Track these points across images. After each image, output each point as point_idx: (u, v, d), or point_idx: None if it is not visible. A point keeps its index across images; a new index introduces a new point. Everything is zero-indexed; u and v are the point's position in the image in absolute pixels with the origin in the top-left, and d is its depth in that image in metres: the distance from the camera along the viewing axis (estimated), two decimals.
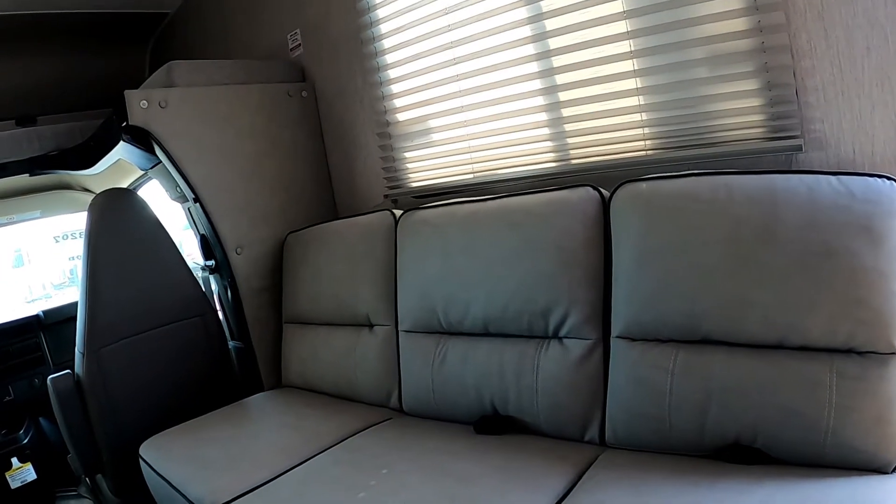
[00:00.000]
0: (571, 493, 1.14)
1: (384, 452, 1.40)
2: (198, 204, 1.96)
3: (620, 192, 1.32)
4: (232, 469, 1.45)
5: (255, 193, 2.08)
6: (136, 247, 1.93)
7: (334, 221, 1.97)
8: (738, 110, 1.37)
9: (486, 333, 1.52)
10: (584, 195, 1.39)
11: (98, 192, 2.75)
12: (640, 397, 1.22)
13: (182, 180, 1.94)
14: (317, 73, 2.28)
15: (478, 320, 1.51)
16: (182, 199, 2.10)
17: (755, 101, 1.34)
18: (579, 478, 1.19)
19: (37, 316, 2.62)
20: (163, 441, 1.72)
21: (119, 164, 2.30)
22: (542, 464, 1.25)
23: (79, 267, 3.47)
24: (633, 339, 1.27)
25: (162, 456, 1.64)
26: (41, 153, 2.43)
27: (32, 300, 3.26)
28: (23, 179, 2.52)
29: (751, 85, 1.34)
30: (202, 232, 2.09)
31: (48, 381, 1.86)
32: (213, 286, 2.20)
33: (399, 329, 1.70)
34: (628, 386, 1.25)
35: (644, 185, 1.29)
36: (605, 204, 1.36)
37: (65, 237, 3.03)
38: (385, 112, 2.09)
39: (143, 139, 1.91)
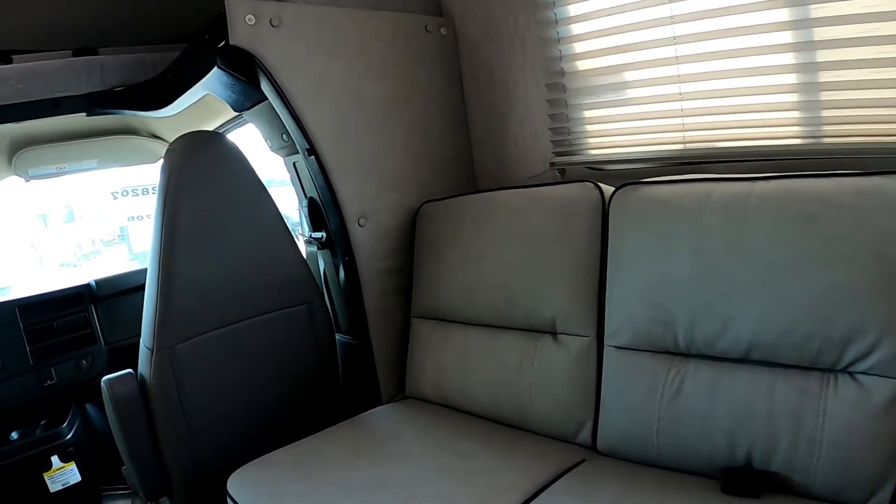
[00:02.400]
0: None
1: None
2: (313, 157, 1.48)
3: None
4: None
5: (386, 148, 1.60)
6: (228, 210, 1.46)
7: (501, 191, 1.48)
8: None
9: (744, 360, 1.09)
10: None
11: (171, 139, 2.31)
12: None
13: (294, 125, 1.46)
14: (457, 6, 1.78)
15: (740, 342, 1.08)
16: (289, 150, 1.63)
17: None
18: None
19: (87, 285, 2.16)
20: (262, 472, 1.27)
21: (202, 105, 1.83)
22: None
23: (131, 228, 3.05)
24: None
25: (263, 498, 1.18)
26: (103, 88, 1.96)
27: (84, 255, 2.85)
28: (78, 121, 2.04)
29: None
30: (311, 195, 1.62)
31: (103, 385, 1.42)
32: (320, 265, 1.73)
33: (606, 343, 1.25)
34: None
35: None
36: None
37: (124, 193, 2.57)
38: (560, 58, 1.61)
39: (246, 67, 1.43)
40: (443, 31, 1.75)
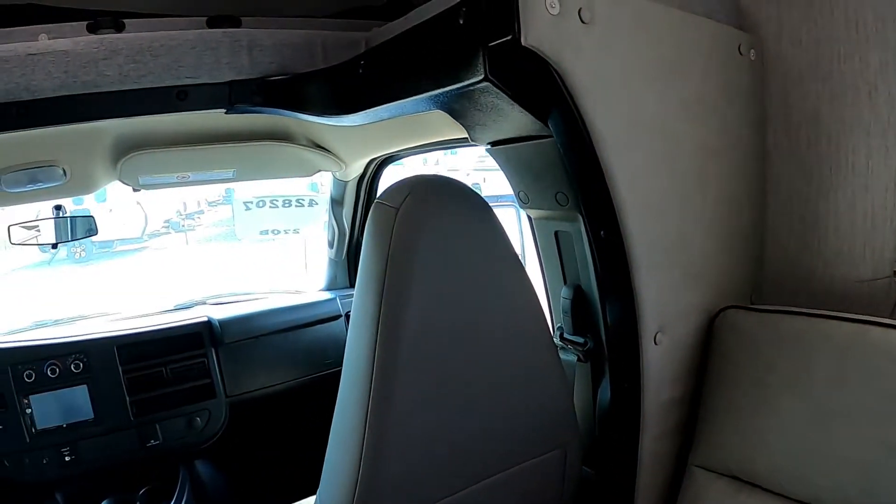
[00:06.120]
0: None
1: None
2: (612, 238, 1.00)
3: None
4: None
5: (693, 226, 1.10)
6: (480, 305, 0.96)
7: (878, 328, 0.98)
8: None
9: None
10: None
11: (341, 151, 1.80)
12: None
13: (594, 186, 0.97)
14: (769, 20, 1.25)
15: None
16: (557, 214, 1.14)
17: None
18: None
19: (208, 323, 1.70)
20: None
21: (406, 120, 1.32)
22: None
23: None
24: None
25: None
26: (252, 76, 1.46)
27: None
28: (212, 118, 1.56)
29: None
30: (577, 283, 1.14)
31: None
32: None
33: None
34: None
35: None
36: None
37: (260, 204, 2.09)
38: None
39: (529, 84, 0.92)
40: (752, 54, 1.23)
